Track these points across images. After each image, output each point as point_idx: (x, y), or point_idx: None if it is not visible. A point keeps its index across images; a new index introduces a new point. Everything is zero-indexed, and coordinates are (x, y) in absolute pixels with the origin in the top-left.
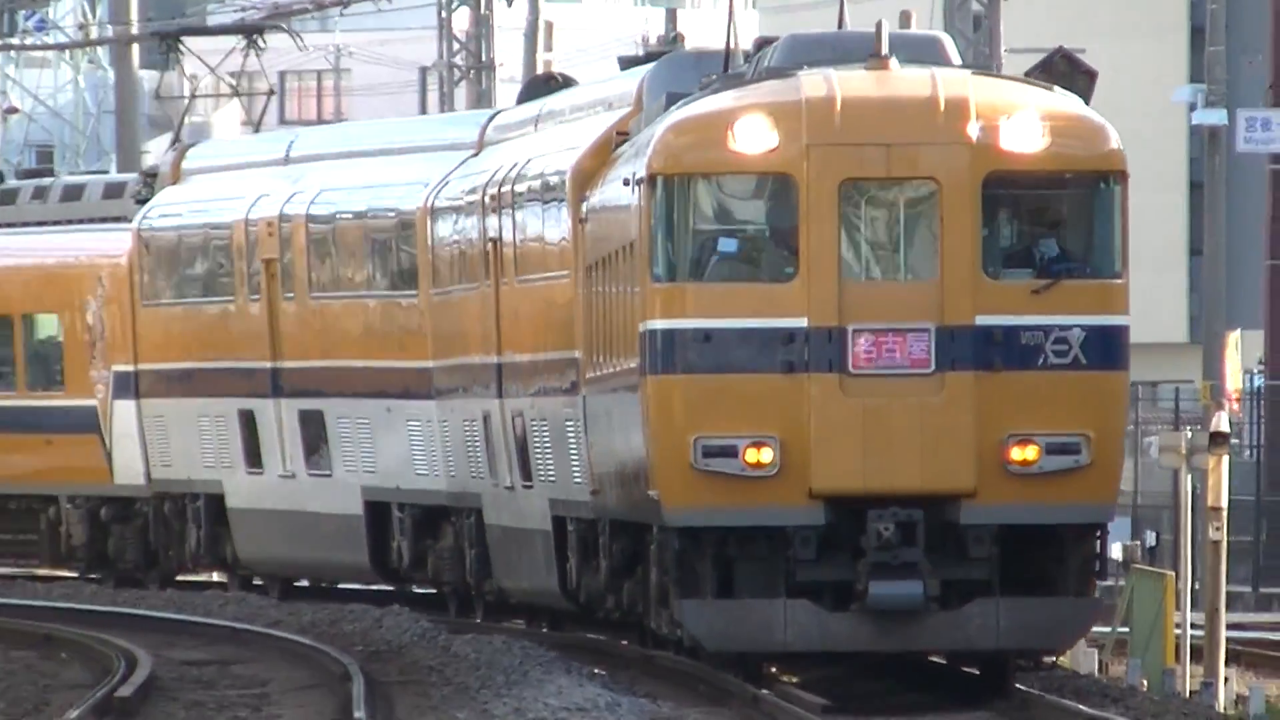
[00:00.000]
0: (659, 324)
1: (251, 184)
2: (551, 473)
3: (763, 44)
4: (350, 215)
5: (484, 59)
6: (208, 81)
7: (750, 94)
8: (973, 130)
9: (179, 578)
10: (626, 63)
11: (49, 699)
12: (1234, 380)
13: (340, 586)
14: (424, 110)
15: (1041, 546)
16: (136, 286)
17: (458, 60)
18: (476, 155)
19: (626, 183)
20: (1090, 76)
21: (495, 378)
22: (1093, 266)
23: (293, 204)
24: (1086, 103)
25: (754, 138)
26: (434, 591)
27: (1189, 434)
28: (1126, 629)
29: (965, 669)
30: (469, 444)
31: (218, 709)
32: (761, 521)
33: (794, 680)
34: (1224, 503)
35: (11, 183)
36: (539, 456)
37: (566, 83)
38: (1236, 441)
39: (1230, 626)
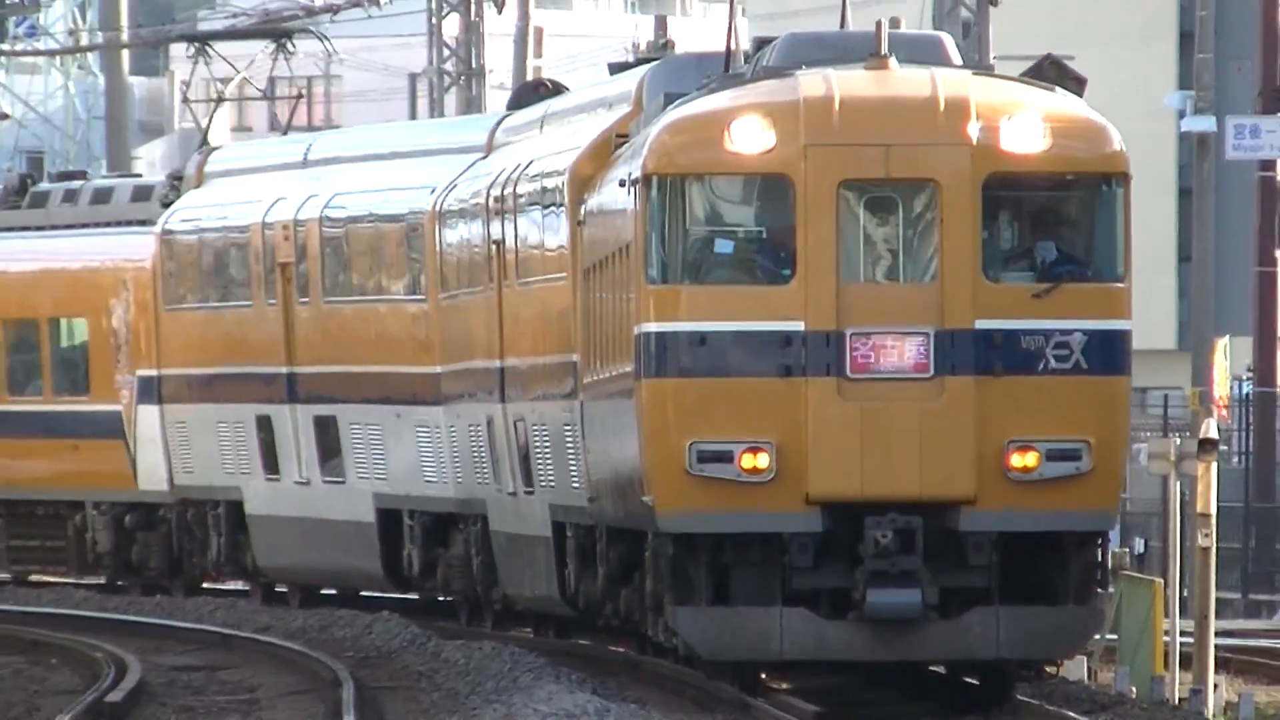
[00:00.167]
0: (654, 327)
1: (270, 187)
2: (551, 478)
3: (762, 44)
4: (362, 219)
5: (474, 65)
6: (196, 91)
7: (747, 94)
8: (973, 131)
9: (205, 585)
10: (616, 69)
11: (38, 704)
12: (1222, 387)
13: (360, 595)
14: (414, 116)
15: (1042, 554)
16: (159, 290)
17: (448, 66)
18: (485, 158)
19: (623, 184)
20: (1079, 83)
21: (498, 382)
22: (1094, 270)
23: (308, 207)
24: None
25: (751, 138)
26: (449, 599)
27: (1178, 441)
28: (1115, 636)
29: (966, 679)
30: (474, 450)
31: (207, 714)
32: (757, 528)
33: (785, 686)
34: (1213, 509)
35: (44, 185)
36: (539, 462)
37: (557, 89)
38: (1225, 448)
39: (1219, 633)
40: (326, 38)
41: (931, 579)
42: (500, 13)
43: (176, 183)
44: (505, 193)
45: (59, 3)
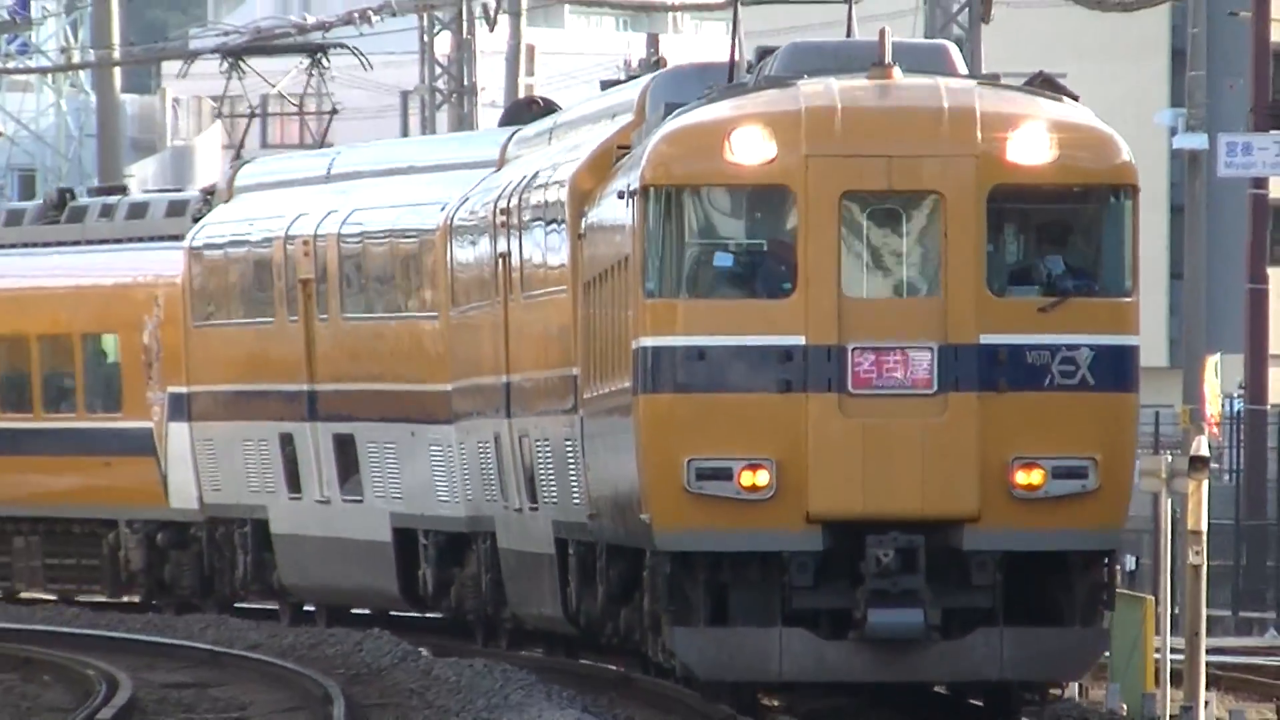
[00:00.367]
0: (651, 341)
1: (293, 202)
2: (554, 494)
3: (764, 53)
4: (377, 234)
5: (466, 83)
6: (190, 105)
7: (748, 103)
8: (978, 142)
9: (237, 604)
10: (608, 86)
11: None
12: (1213, 404)
13: (382, 614)
14: (406, 133)
15: (1047, 573)
16: (189, 306)
17: (440, 84)
18: (497, 171)
19: (621, 195)
20: (1071, 100)
21: (504, 398)
22: (1102, 284)
23: (327, 223)
24: None
25: (751, 148)
26: (466, 619)
27: (1169, 458)
28: (1106, 653)
29: (969, 700)
30: (483, 467)
31: None
32: (757, 546)
33: (775, 703)
34: (1204, 527)
35: (83, 200)
36: (542, 478)
37: (548, 107)
38: (1216, 466)
39: (1210, 650)
40: (361, 52)
41: (934, 599)
42: (492, 30)
43: (209, 197)
44: (511, 206)
45: (51, 21)
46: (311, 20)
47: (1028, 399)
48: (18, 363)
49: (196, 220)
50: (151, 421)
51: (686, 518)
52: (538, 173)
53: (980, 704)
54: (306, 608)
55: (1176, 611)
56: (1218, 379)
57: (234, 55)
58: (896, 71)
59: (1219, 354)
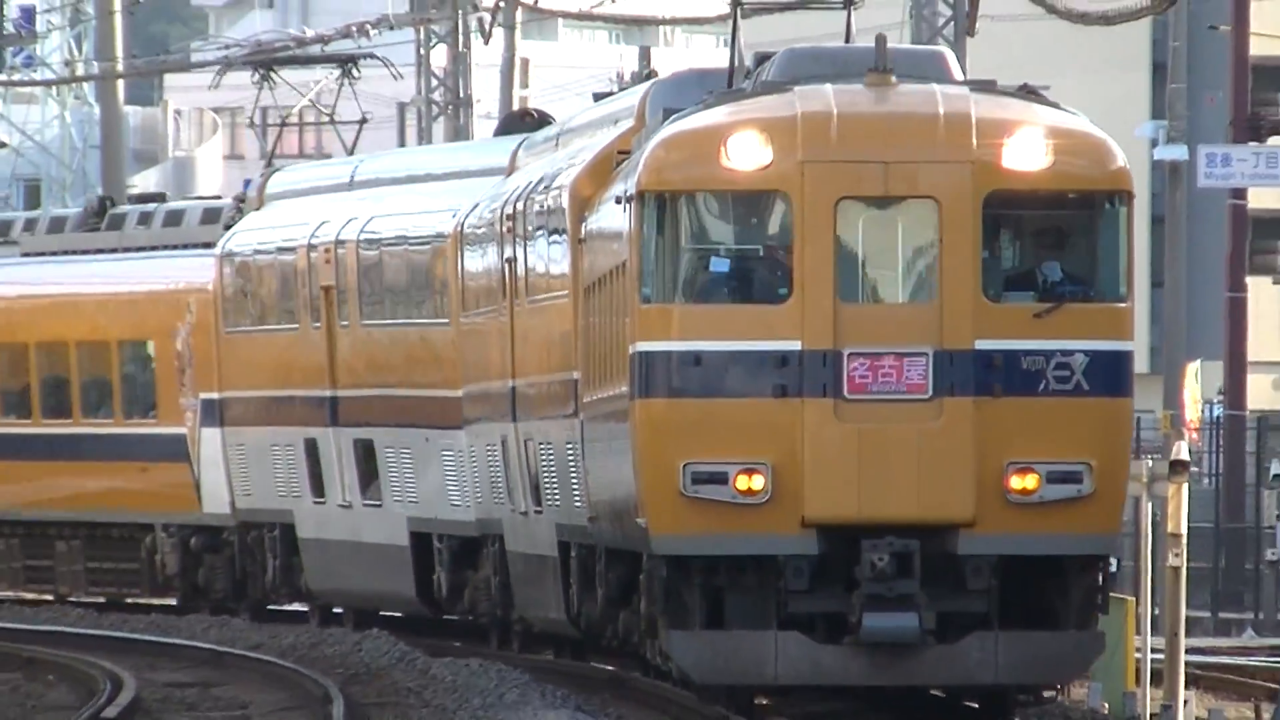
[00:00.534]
0: (647, 346)
1: (318, 210)
2: (556, 498)
3: (762, 59)
4: (393, 241)
5: (461, 95)
6: (191, 117)
7: (744, 109)
8: (974, 148)
9: (270, 608)
10: (600, 98)
11: None
12: (1193, 410)
13: (410, 618)
14: (402, 144)
15: (1042, 578)
16: (220, 313)
17: (436, 96)
18: (507, 178)
19: (619, 201)
20: None
21: (510, 402)
22: (1097, 289)
23: (347, 230)
24: None
25: (747, 154)
26: (481, 622)
27: (1150, 462)
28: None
29: (965, 702)
30: (492, 471)
31: None
32: (752, 550)
33: (765, 702)
34: (1183, 530)
35: (122, 207)
36: (546, 481)
37: (542, 118)
38: (1196, 470)
39: (1189, 650)
40: (391, 63)
41: (929, 603)
42: (487, 44)
43: (241, 204)
44: (516, 212)
45: (56, 34)
46: (310, 34)
47: (1023, 404)
48: (58, 369)
49: (228, 228)
50: (185, 427)
51: (682, 522)
52: (542, 178)
53: (976, 706)
54: (335, 610)
55: (1157, 612)
56: (1198, 385)
57: (265, 66)
58: (893, 78)
59: (1199, 361)
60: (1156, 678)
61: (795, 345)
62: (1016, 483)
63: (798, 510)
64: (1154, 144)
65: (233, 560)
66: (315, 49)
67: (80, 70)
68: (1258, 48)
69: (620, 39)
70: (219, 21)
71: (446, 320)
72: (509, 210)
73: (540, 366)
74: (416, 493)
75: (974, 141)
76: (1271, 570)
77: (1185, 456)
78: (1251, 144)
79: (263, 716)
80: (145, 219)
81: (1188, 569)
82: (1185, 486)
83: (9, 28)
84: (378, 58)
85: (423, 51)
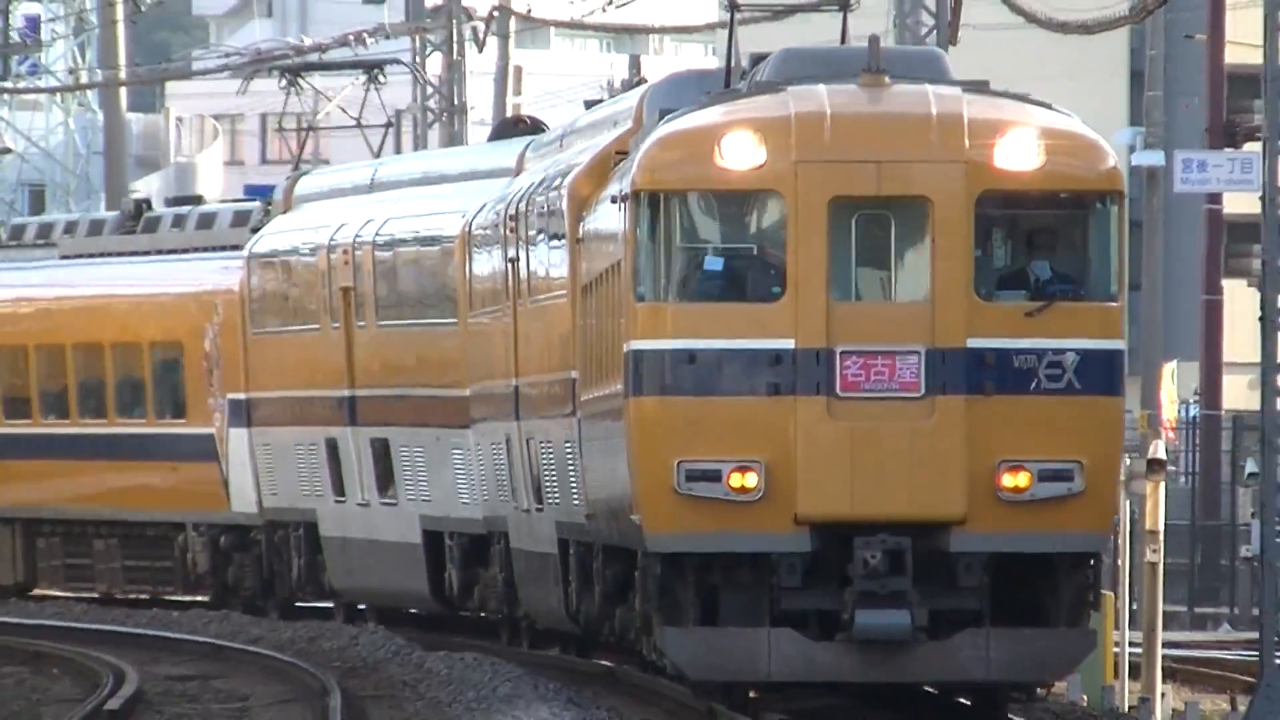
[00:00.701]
0: (642, 344)
1: (340, 212)
2: (556, 496)
3: (758, 60)
4: (406, 242)
5: (456, 102)
6: (193, 123)
7: (739, 109)
8: (966, 148)
9: (297, 604)
10: (592, 105)
11: (41, 712)
12: (1170, 410)
13: (431, 615)
14: (399, 150)
15: (1034, 575)
16: (247, 314)
17: (431, 104)
18: (514, 179)
19: (615, 200)
20: None
21: (513, 402)
22: (1088, 289)
23: (364, 232)
24: None
25: (741, 153)
26: (494, 620)
27: (1128, 461)
28: None
29: (958, 699)
30: (497, 469)
31: None
32: (746, 548)
33: (753, 695)
34: (1160, 527)
35: (158, 210)
36: (546, 479)
37: (535, 125)
38: (1173, 468)
39: (1166, 645)
40: (420, 69)
41: (921, 600)
42: (481, 52)
43: (269, 207)
44: (518, 212)
45: (60, 43)
46: (309, 42)
47: (1014, 402)
48: (94, 369)
49: (255, 230)
50: (213, 427)
51: (676, 519)
52: (543, 179)
53: (968, 703)
54: (360, 607)
55: (1135, 607)
56: (1174, 385)
57: (292, 72)
58: (886, 78)
59: (1175, 361)
60: (1135, 671)
61: (789, 344)
62: (1008, 481)
63: (791, 508)
64: (1131, 150)
65: (260, 559)
66: (344, 54)
67: (84, 78)
68: (1233, 56)
69: (611, 47)
70: (219, 30)
71: (455, 320)
72: (512, 211)
73: (541, 366)
74: (429, 491)
75: (966, 142)
76: (1246, 566)
77: (1162, 455)
78: (1227, 150)
79: (262, 708)
80: (179, 222)
81: (1165, 565)
82: (1162, 485)
83: (14, 36)
84: (403, 63)
85: (419, 60)
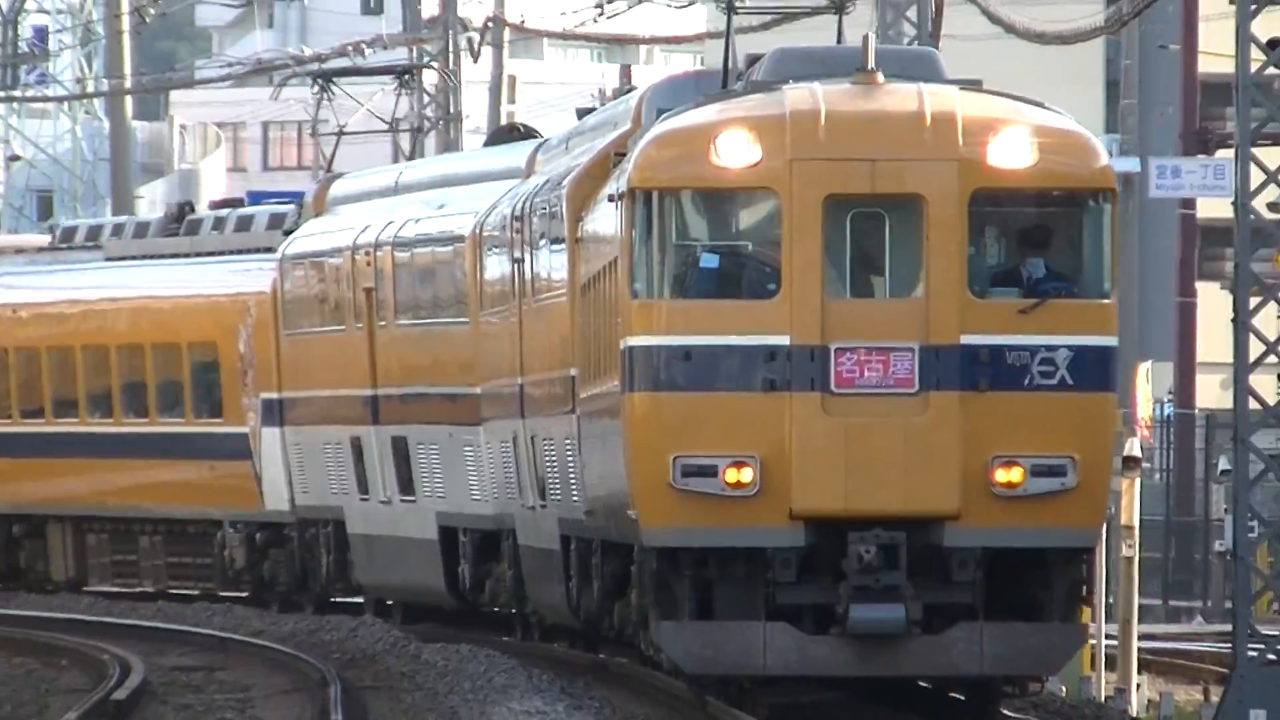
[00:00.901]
0: (638, 341)
1: (366, 215)
2: (558, 493)
3: (753, 60)
4: (422, 243)
5: (451, 111)
6: (196, 131)
7: (734, 107)
8: (960, 146)
9: (332, 599)
10: (584, 114)
11: (49, 702)
12: (1145, 409)
13: (453, 611)
14: (396, 159)
15: (1027, 570)
16: (280, 316)
17: (428, 112)
18: (524, 181)
19: (612, 199)
20: None
21: (519, 400)
22: (1081, 286)
23: (385, 233)
24: None
25: (736, 152)
26: (508, 614)
27: None
28: None
29: (951, 693)
30: (505, 466)
31: (205, 712)
32: (741, 543)
33: (745, 686)
34: (1136, 522)
35: (200, 213)
36: (548, 476)
37: (529, 133)
38: (1147, 466)
39: (1142, 637)
40: (450, 73)
41: (915, 595)
42: (476, 62)
43: (302, 210)
44: (523, 213)
45: (67, 52)
46: (309, 52)
47: (1008, 399)
48: (136, 370)
49: (288, 233)
50: (247, 427)
51: (672, 514)
52: (546, 180)
53: (961, 697)
54: (389, 602)
55: (1111, 601)
56: (1149, 385)
57: (324, 77)
58: (880, 77)
59: (1150, 362)
60: (1111, 663)
61: (784, 340)
62: (1001, 476)
63: (786, 503)
64: (1108, 156)
65: (293, 555)
66: (373, 59)
67: (91, 87)
68: (1206, 65)
69: (602, 57)
70: (222, 40)
71: (466, 319)
72: (517, 212)
73: (544, 365)
74: (444, 488)
75: (960, 140)
76: (1219, 561)
77: (1137, 453)
78: (1200, 156)
79: (264, 699)
80: (219, 224)
81: (1140, 559)
82: (1137, 481)
83: (23, 46)
84: (434, 68)
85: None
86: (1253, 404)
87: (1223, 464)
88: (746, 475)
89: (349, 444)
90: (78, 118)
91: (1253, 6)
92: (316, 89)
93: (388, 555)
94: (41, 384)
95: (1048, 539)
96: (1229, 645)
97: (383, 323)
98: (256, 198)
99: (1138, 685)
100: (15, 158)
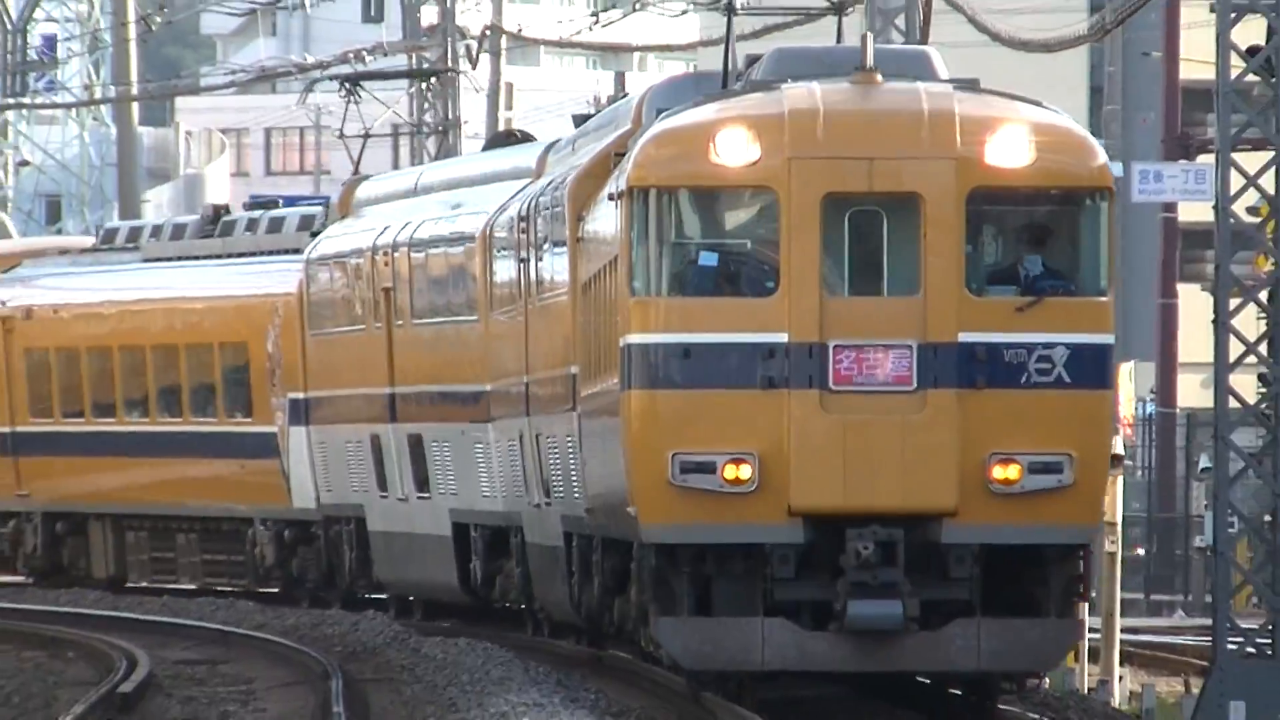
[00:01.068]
0: (637, 338)
1: (386, 216)
2: (561, 490)
3: (753, 60)
4: (436, 244)
5: (450, 117)
6: (201, 137)
7: (733, 106)
8: (957, 145)
9: (363, 596)
10: (579, 120)
11: (57, 694)
12: (1127, 407)
13: (466, 607)
14: (396, 164)
15: (1024, 567)
16: (305, 316)
17: (427, 118)
18: (534, 181)
19: (612, 198)
20: None
21: (525, 398)
22: (1078, 284)
23: (402, 234)
24: None
25: (735, 150)
26: (519, 610)
27: None
28: None
29: (949, 689)
30: (513, 464)
31: (209, 704)
32: (739, 539)
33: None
34: (1119, 518)
35: (234, 214)
36: (551, 474)
37: (525, 138)
38: (1130, 463)
39: (1124, 630)
40: (472, 75)
41: (913, 591)
42: (474, 69)
43: (328, 212)
44: (528, 213)
45: (75, 60)
46: (311, 59)
47: (1005, 396)
48: (170, 370)
49: (314, 235)
50: (275, 426)
51: (671, 511)
52: (551, 181)
53: (959, 692)
54: (411, 598)
55: (1094, 594)
56: (1131, 384)
57: (351, 81)
58: (878, 76)
59: (1133, 362)
60: (1094, 655)
61: (782, 338)
62: (999, 473)
63: (784, 500)
64: None
65: (320, 553)
66: (399, 63)
67: (98, 94)
68: (1187, 73)
69: (597, 65)
70: (226, 48)
71: (477, 318)
72: (523, 212)
73: (548, 363)
74: (456, 485)
75: (958, 139)
76: (1200, 556)
77: (1120, 451)
78: (1181, 161)
79: (267, 691)
80: (251, 226)
81: (1122, 555)
82: (1120, 478)
83: (33, 55)
84: (459, 71)
85: (414, 79)
86: (1233, 403)
87: (1203, 461)
88: (745, 472)
89: (369, 442)
90: (85, 124)
91: (1232, 15)
92: (344, 92)
93: (405, 552)
94: (82, 384)
95: (1045, 536)
96: (1209, 638)
97: (400, 322)
98: (258, 201)
99: (1120, 677)
100: (24, 163)
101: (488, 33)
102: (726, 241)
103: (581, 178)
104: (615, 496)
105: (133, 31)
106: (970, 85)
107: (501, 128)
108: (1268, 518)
